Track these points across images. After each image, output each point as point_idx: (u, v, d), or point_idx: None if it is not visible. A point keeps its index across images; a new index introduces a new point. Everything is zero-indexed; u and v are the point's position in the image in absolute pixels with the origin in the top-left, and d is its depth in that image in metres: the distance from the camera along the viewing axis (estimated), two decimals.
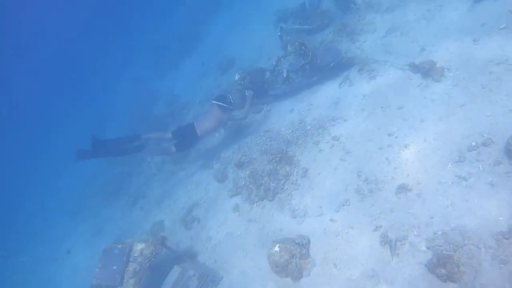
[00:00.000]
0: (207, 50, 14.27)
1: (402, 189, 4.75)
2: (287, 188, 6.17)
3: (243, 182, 6.98)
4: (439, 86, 5.56)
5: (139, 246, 6.12)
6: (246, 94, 7.76)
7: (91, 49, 24.24)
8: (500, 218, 3.86)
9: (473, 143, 4.60)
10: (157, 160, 10.37)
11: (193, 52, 15.11)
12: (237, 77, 8.36)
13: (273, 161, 6.57)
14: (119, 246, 6.25)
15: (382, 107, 6.01)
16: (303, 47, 7.10)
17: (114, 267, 6.05)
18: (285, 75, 7.71)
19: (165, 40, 17.35)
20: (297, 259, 5.00)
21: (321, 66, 7.24)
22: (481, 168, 4.36)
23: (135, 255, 6.07)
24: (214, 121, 7.59)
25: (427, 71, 5.73)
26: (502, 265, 3.58)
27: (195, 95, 11.85)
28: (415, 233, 4.32)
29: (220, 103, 7.43)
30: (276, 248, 5.07)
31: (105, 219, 10.33)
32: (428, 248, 4.12)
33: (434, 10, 6.93)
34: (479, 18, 6.03)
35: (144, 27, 20.60)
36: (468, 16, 6.22)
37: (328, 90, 7.32)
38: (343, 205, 5.22)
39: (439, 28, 6.49)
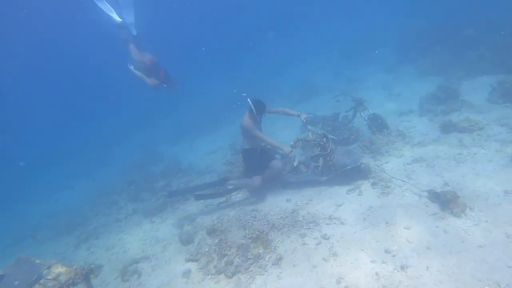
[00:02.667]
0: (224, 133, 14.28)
1: None
2: (251, 270, 5.21)
3: (207, 249, 6.05)
4: (456, 221, 4.89)
5: (59, 269, 5.00)
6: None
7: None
8: None
9: None
10: (129, 208, 9.77)
11: (213, 132, 15.22)
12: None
13: (249, 237, 5.71)
14: (37, 261, 5.19)
15: (386, 223, 5.29)
16: (324, 139, 6.70)
17: (16, 283, 4.90)
18: (295, 164, 7.22)
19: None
20: None
21: (336, 166, 6.74)
22: None
23: (49, 277, 4.95)
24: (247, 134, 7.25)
25: (447, 202, 5.11)
26: None
27: (198, 166, 11.56)
28: None
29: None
30: None
31: (44, 251, 9.17)
32: None
33: (467, 155, 6.57)
34: None
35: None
36: (502, 170, 5.79)
37: (334, 192, 6.72)
38: None
39: (469, 172, 6.03)
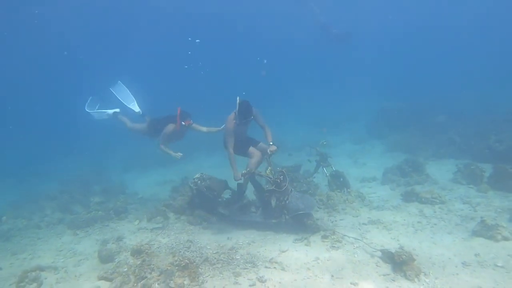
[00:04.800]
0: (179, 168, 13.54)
1: None
2: None
3: (126, 269, 5.16)
4: (409, 285, 4.33)
5: None
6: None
7: None
8: None
9: None
10: (55, 217, 8.89)
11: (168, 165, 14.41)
12: (197, 175, 7.31)
13: (176, 264, 4.92)
14: None
15: (332, 276, 4.68)
16: (282, 176, 6.16)
17: None
18: (244, 201, 6.62)
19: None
20: None
21: (288, 208, 6.16)
22: None
23: None
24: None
25: (401, 264, 4.58)
26: None
27: (143, 192, 10.93)
28: None
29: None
30: None
31: None
32: None
33: (426, 224, 6.18)
34: (474, 248, 5.15)
35: None
36: (462, 243, 5.38)
37: (280, 238, 6.10)
38: None
39: (426, 240, 5.60)
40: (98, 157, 16.90)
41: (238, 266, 5.16)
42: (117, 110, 9.14)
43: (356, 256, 5.21)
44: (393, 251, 4.91)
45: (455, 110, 13.74)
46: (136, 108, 8.99)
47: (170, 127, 7.81)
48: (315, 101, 24.22)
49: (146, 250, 5.60)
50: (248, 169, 6.53)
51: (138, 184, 12.14)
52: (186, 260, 4.96)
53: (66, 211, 8.93)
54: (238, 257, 5.42)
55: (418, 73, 26.13)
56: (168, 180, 11.98)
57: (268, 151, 6.60)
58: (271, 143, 6.74)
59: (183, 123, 7.80)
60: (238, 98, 6.57)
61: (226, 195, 7.43)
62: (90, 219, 7.76)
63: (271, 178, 6.23)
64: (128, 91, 9.15)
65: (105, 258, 5.79)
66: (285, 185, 6.08)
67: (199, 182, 7.16)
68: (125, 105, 9.00)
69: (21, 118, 28.15)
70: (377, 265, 4.87)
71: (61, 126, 24.11)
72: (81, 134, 21.05)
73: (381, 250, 5.12)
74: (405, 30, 36.95)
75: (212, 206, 7.09)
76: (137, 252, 5.63)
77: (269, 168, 6.58)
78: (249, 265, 5.16)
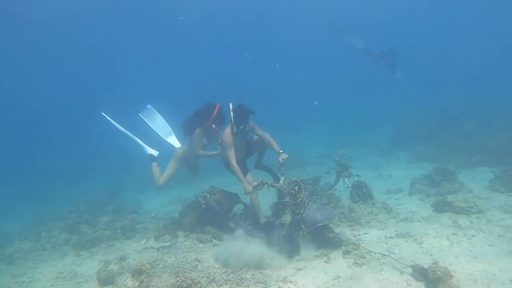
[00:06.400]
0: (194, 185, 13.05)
1: None
2: None
3: None
4: None
5: None
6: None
7: None
8: None
9: None
10: (61, 238, 8.48)
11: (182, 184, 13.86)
12: (207, 189, 6.82)
13: (178, 285, 4.39)
14: None
15: None
16: (297, 187, 5.56)
17: None
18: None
19: None
20: None
21: (305, 221, 5.54)
22: None
23: None
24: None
25: (436, 282, 3.90)
26: None
27: (156, 211, 10.43)
28: None
29: None
30: None
31: None
32: None
33: (463, 236, 5.42)
34: None
35: None
36: (507, 256, 4.63)
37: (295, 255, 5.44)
38: None
39: (465, 253, 4.86)
40: (116, 177, 16.63)
41: (248, 286, 4.58)
42: (155, 153, 7.67)
43: (383, 273, 4.53)
44: (426, 266, 4.23)
45: (484, 116, 12.85)
46: (176, 142, 7.66)
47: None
48: (334, 114, 23.46)
49: (147, 271, 5.10)
50: (260, 180, 5.94)
51: (152, 204, 11.70)
52: (189, 281, 4.43)
53: (74, 232, 8.53)
54: (249, 277, 4.83)
55: (443, 80, 25.09)
56: (184, 198, 11.46)
57: (280, 159, 6.03)
58: (281, 151, 6.15)
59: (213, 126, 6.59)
60: (230, 104, 6.11)
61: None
62: (95, 239, 7.32)
63: (285, 189, 5.64)
64: (163, 119, 7.81)
65: (105, 280, 5.29)
66: (300, 196, 5.47)
67: (208, 196, 6.69)
68: (163, 139, 7.67)
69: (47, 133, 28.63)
70: (407, 284, 4.19)
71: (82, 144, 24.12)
72: (100, 154, 20.96)
73: (411, 266, 4.44)
74: (426, 35, 36.07)
75: (222, 221, 6.57)
76: (137, 272, 5.13)
77: (282, 178, 5.99)
78: (261, 285, 4.57)
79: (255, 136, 6.72)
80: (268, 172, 7.02)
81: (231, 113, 6.06)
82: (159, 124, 7.78)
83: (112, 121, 7.53)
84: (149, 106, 7.87)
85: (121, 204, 11.00)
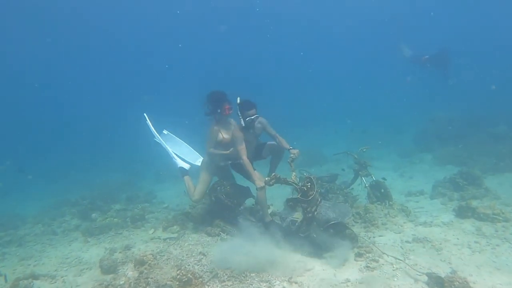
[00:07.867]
0: None
1: None
2: None
3: (122, 282, 4.53)
4: None
5: None
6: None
7: None
8: None
9: None
10: (72, 224, 8.56)
11: None
12: (217, 181, 6.67)
13: (178, 278, 4.20)
14: None
15: None
16: (309, 184, 5.27)
17: None
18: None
19: None
20: None
21: (318, 220, 5.26)
22: None
23: None
24: None
25: None
26: None
27: (170, 202, 10.34)
28: None
29: None
30: None
31: None
32: None
33: (486, 246, 5.04)
34: None
35: None
36: None
37: (305, 255, 5.19)
38: None
39: (487, 264, 4.50)
40: (134, 166, 16.72)
41: (252, 285, 4.36)
42: (186, 166, 6.95)
43: (395, 279, 4.24)
44: (443, 275, 3.91)
45: None
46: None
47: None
48: (357, 113, 22.95)
49: (150, 262, 4.94)
50: (273, 174, 5.67)
51: (167, 194, 11.63)
52: (190, 275, 4.25)
53: (86, 218, 8.53)
54: (253, 275, 4.60)
55: (473, 80, 24.11)
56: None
57: (290, 155, 5.84)
58: (291, 147, 6.06)
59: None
60: (238, 98, 6.03)
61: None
62: (104, 226, 7.26)
63: (297, 185, 5.36)
64: (185, 143, 7.23)
65: (107, 268, 5.17)
66: (312, 194, 5.19)
67: (218, 188, 6.49)
68: (191, 163, 7.05)
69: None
70: None
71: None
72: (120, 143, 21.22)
73: (427, 274, 4.11)
74: (457, 33, 34.78)
75: (232, 215, 6.38)
76: (140, 263, 4.98)
77: (293, 173, 5.72)
78: (265, 284, 4.34)
79: (270, 142, 6.63)
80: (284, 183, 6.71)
81: (239, 106, 5.92)
82: (183, 149, 7.21)
83: (151, 125, 6.90)
84: (165, 131, 7.12)
85: (136, 193, 10.95)
